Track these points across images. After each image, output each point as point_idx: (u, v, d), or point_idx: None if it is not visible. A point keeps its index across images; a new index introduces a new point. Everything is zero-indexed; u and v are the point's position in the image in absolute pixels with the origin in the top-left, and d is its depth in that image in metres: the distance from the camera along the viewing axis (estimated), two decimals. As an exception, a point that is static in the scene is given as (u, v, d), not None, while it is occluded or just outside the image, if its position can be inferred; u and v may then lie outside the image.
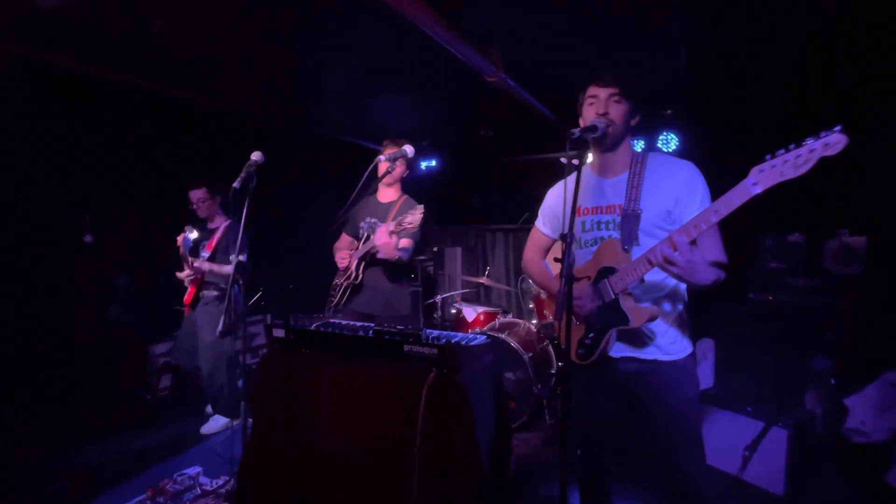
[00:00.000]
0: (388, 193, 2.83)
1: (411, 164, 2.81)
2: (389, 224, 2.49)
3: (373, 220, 2.79)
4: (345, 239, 2.95)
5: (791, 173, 1.24)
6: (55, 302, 3.62)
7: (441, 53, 2.75)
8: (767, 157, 1.27)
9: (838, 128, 1.18)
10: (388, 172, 2.57)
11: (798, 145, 1.23)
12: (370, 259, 2.68)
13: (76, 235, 3.70)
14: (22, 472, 2.90)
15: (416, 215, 2.41)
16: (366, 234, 2.73)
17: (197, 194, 3.47)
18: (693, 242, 1.44)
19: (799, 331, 2.92)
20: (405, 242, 2.65)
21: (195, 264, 3.36)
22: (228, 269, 3.29)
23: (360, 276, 2.73)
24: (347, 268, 2.78)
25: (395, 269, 2.74)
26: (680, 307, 1.71)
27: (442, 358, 1.69)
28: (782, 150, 1.25)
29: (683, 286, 1.71)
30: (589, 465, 1.87)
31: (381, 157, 2.46)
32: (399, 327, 1.93)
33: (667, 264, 1.42)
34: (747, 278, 3.25)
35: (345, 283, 2.78)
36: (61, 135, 3.57)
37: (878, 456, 2.59)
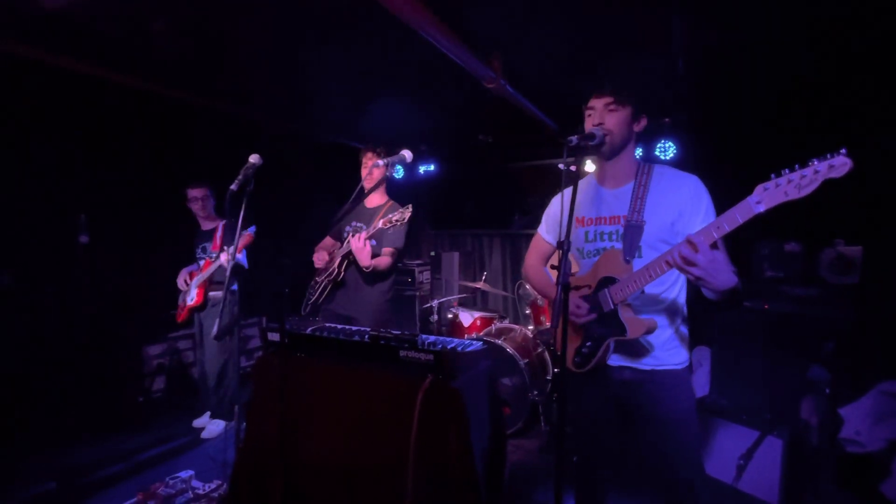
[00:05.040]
0: (373, 198, 2.83)
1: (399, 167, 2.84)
2: (369, 230, 2.55)
3: (358, 224, 2.79)
4: (328, 241, 2.95)
5: (795, 194, 1.22)
6: (49, 302, 3.60)
7: (441, 58, 2.76)
8: (773, 175, 1.25)
9: (843, 150, 1.17)
10: (385, 178, 2.58)
11: (803, 166, 1.21)
12: (353, 258, 2.69)
13: (72, 236, 3.68)
14: (10, 472, 2.87)
15: (405, 213, 2.46)
16: (347, 237, 2.75)
17: (197, 192, 3.47)
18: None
19: (795, 340, 2.92)
20: (385, 258, 2.68)
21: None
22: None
23: (342, 274, 2.74)
24: (329, 265, 2.78)
25: (378, 272, 2.75)
26: (678, 321, 1.69)
27: (438, 364, 1.68)
28: (787, 170, 1.24)
29: (683, 299, 1.70)
30: (585, 472, 1.86)
31: (380, 162, 2.46)
32: (395, 332, 1.92)
33: (686, 265, 1.35)
34: (743, 287, 3.25)
35: (325, 280, 2.77)
36: (58, 135, 3.55)
37: (873, 466, 2.59)
